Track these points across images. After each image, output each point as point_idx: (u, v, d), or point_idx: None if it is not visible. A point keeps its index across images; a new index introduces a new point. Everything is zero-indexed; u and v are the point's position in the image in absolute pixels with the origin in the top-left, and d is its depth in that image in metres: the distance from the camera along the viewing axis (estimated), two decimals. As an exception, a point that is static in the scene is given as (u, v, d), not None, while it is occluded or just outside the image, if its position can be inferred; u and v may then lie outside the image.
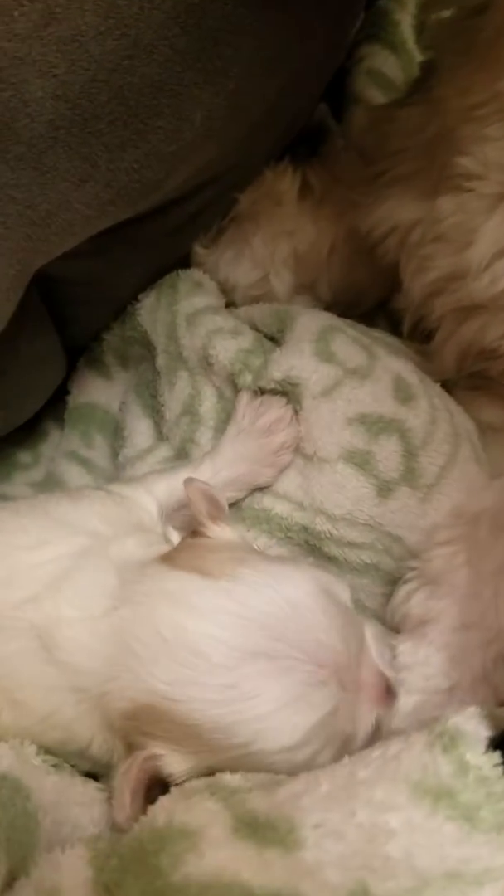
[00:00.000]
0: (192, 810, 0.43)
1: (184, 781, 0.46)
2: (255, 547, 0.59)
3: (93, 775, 0.53)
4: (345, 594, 0.51)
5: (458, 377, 0.69)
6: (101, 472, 0.74)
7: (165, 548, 0.55)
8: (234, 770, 0.46)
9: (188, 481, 0.56)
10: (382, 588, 0.62)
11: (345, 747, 0.47)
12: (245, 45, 0.51)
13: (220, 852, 0.41)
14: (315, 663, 0.45)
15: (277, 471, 0.62)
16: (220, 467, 0.61)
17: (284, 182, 0.71)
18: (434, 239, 0.62)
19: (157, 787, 0.46)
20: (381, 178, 0.68)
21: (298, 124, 0.73)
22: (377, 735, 0.49)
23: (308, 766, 0.45)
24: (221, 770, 0.46)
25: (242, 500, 0.63)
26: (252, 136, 0.61)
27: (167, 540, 0.57)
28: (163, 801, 0.45)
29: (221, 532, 0.54)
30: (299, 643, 0.45)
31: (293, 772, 0.45)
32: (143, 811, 0.45)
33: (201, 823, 0.42)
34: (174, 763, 0.45)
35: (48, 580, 0.51)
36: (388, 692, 0.50)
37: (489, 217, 0.58)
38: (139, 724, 0.46)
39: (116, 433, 0.74)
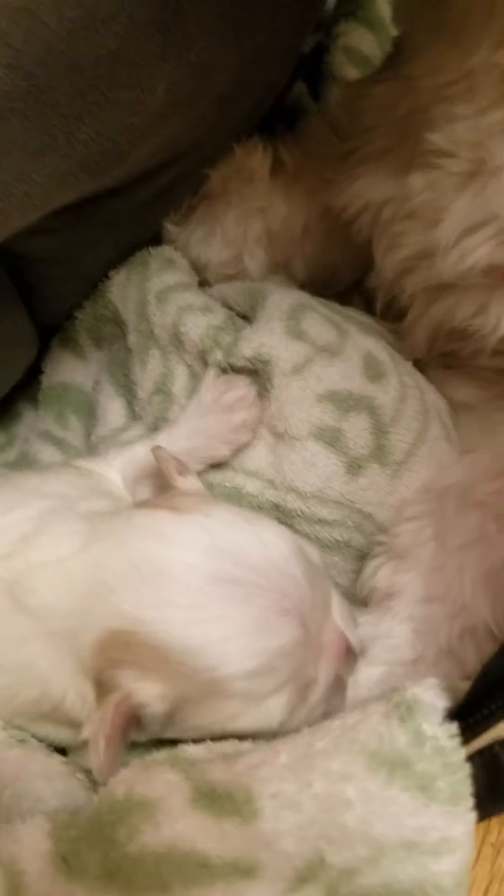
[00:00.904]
0: (152, 782, 0.43)
1: (151, 720, 0.46)
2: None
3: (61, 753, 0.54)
4: (315, 555, 0.52)
5: (430, 357, 0.69)
6: (74, 451, 0.73)
7: None
8: (200, 708, 0.46)
9: (155, 449, 0.58)
10: (353, 565, 0.62)
11: (306, 697, 0.48)
12: (208, 15, 0.50)
13: (177, 823, 0.41)
14: (280, 592, 0.47)
15: (234, 448, 0.63)
16: (177, 438, 0.61)
17: (255, 158, 0.70)
18: (405, 216, 0.62)
19: (131, 729, 0.46)
20: (353, 155, 0.67)
21: (269, 99, 0.72)
22: (340, 700, 0.50)
23: (269, 707, 0.47)
24: (189, 707, 0.46)
25: (213, 478, 0.63)
26: (220, 109, 0.60)
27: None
28: (123, 773, 0.45)
29: (190, 483, 0.55)
30: (266, 572, 0.47)
31: (258, 712, 0.46)
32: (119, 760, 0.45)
33: (160, 795, 0.42)
34: (146, 691, 0.45)
35: (17, 538, 0.51)
36: (349, 654, 0.51)
37: (458, 195, 0.57)
38: (109, 654, 0.46)
39: (90, 413, 0.74)
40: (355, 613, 0.54)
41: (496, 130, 0.55)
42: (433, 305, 0.64)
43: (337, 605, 0.52)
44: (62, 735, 0.53)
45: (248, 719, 0.47)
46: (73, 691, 0.49)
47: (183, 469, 0.56)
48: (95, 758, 0.44)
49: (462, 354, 0.67)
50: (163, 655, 0.45)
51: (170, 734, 0.49)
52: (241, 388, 0.62)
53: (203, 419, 0.62)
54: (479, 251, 0.57)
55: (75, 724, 0.50)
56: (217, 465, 0.64)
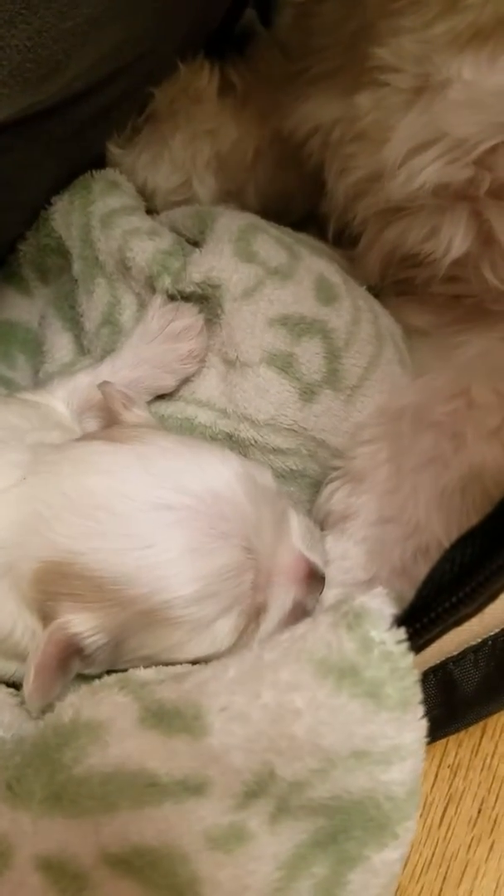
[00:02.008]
0: (100, 704, 0.42)
1: (93, 650, 0.45)
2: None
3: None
4: (266, 478, 0.51)
5: (384, 284, 0.67)
6: (23, 391, 0.71)
7: None
8: (145, 638, 0.46)
9: (102, 385, 0.56)
10: (308, 495, 0.61)
11: (258, 621, 0.47)
12: None
13: (125, 743, 0.40)
14: (217, 515, 0.46)
15: (179, 379, 0.61)
16: (121, 368, 0.60)
17: (202, 78, 0.68)
18: (355, 138, 0.61)
19: (73, 660, 0.46)
20: (303, 76, 0.65)
21: (212, 17, 0.70)
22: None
23: (217, 632, 0.46)
24: (134, 638, 0.46)
25: (165, 410, 0.62)
26: (160, 22, 0.58)
27: None
28: (70, 698, 0.44)
29: (136, 417, 0.54)
30: (201, 496, 0.46)
31: (204, 638, 0.46)
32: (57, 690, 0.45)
33: (108, 716, 0.41)
34: (81, 622, 0.45)
35: None
36: (312, 577, 0.50)
37: (406, 112, 0.56)
38: (46, 586, 0.46)
39: (37, 351, 0.72)
40: (319, 534, 0.53)
41: (442, 43, 0.53)
42: (385, 230, 0.63)
43: (298, 529, 0.51)
44: (12, 668, 0.52)
45: (196, 646, 0.46)
46: (21, 624, 0.48)
47: (130, 402, 0.55)
48: (25, 686, 0.44)
49: (416, 282, 0.66)
50: (98, 585, 0.44)
51: (121, 665, 0.48)
52: (189, 316, 0.60)
53: (149, 348, 0.60)
54: (428, 170, 0.56)
55: (25, 658, 0.49)
56: (168, 397, 0.62)
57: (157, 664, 0.47)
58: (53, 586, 0.45)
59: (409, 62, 0.55)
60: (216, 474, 0.47)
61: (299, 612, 0.49)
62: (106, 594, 0.44)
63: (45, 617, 0.46)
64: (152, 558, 0.44)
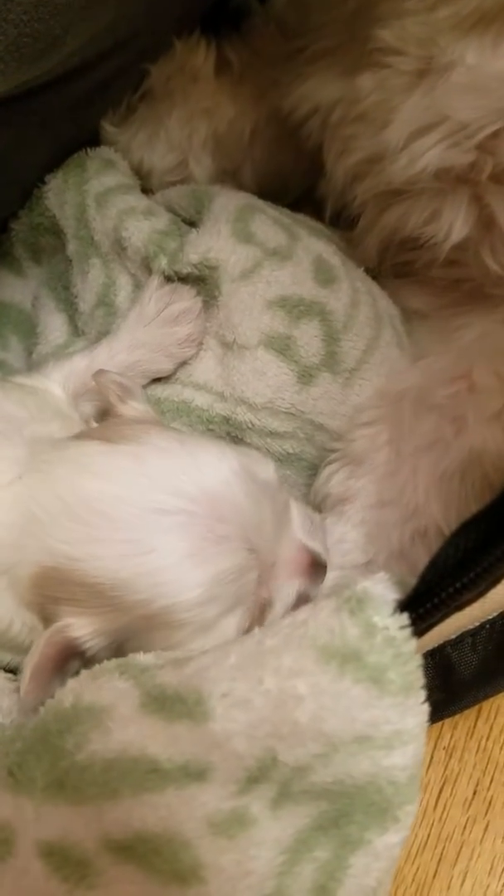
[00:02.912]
0: (101, 690, 0.42)
1: (94, 652, 0.45)
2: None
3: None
4: (267, 471, 0.50)
5: (383, 266, 0.67)
6: (16, 373, 0.71)
7: None
8: (147, 638, 0.45)
9: (98, 374, 0.55)
10: (305, 479, 0.61)
11: (262, 616, 0.47)
12: None
13: (126, 728, 0.40)
14: (215, 518, 0.45)
15: (177, 362, 0.60)
16: (118, 351, 0.59)
17: (198, 56, 0.66)
18: (355, 119, 0.60)
19: (72, 660, 0.45)
20: (302, 55, 0.64)
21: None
22: None
23: (221, 630, 0.45)
24: (136, 638, 0.45)
25: (161, 392, 0.61)
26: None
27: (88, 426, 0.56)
28: (71, 683, 0.43)
29: (132, 410, 0.52)
30: (199, 499, 0.45)
31: (208, 637, 0.45)
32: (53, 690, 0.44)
33: (109, 702, 0.41)
34: (81, 626, 0.44)
35: None
36: (314, 566, 0.49)
37: (408, 95, 0.55)
38: (46, 590, 0.45)
39: (31, 332, 0.71)
40: (319, 521, 0.53)
41: (446, 26, 0.52)
42: (385, 213, 0.62)
43: (299, 519, 0.50)
44: (8, 657, 0.51)
45: (200, 644, 0.46)
46: (19, 620, 0.48)
47: (126, 393, 0.54)
48: (21, 686, 0.44)
49: (415, 265, 0.66)
50: (97, 591, 0.44)
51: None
52: (187, 299, 0.60)
53: (146, 331, 0.59)
54: (430, 154, 0.55)
55: (24, 650, 0.48)
56: (164, 379, 0.62)
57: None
58: (52, 591, 0.45)
59: (412, 44, 0.54)
60: (214, 474, 0.46)
61: (303, 602, 0.49)
62: (105, 600, 0.44)
63: (45, 618, 0.46)
64: (151, 565, 0.43)
